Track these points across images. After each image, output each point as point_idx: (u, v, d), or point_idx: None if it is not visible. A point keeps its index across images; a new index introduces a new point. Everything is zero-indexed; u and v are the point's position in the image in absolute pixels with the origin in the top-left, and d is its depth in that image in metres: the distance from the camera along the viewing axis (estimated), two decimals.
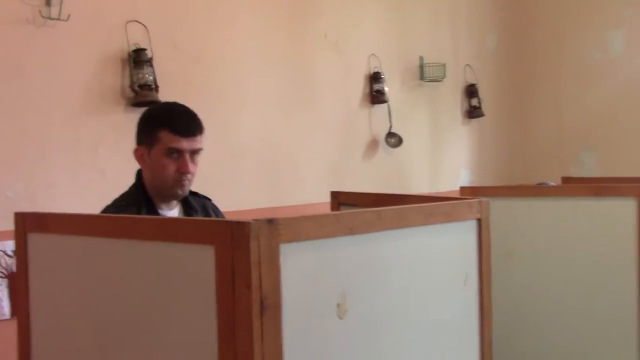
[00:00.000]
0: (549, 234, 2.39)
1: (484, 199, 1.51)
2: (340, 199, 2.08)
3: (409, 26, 4.27)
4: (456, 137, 4.59)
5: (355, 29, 3.91)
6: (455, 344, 1.44)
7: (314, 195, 3.50)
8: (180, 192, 2.06)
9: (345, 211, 1.20)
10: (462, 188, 2.49)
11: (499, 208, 2.47)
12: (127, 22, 2.87)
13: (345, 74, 3.84)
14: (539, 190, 2.43)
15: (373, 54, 3.94)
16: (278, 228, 1.05)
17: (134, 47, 2.86)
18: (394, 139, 4.00)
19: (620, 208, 2.25)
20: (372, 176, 3.96)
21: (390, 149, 4.02)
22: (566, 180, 3.15)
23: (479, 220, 1.47)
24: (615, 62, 4.65)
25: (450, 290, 1.42)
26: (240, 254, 0.99)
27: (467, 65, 4.61)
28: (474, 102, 4.61)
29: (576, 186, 2.50)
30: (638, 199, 2.21)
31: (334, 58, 3.78)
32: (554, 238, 2.38)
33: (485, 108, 4.65)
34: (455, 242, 1.42)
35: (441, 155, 4.47)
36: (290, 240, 1.08)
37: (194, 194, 2.21)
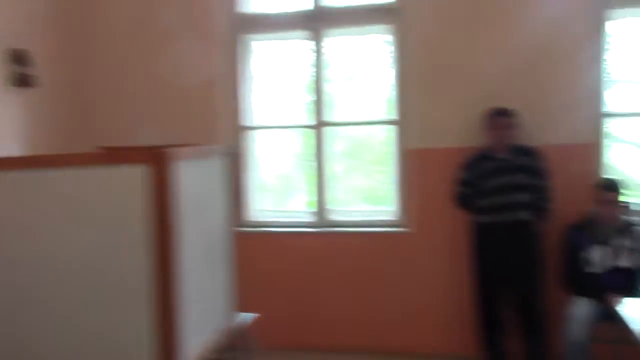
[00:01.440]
0: (56, 207, 2.29)
1: None
2: None
3: None
4: (2, 108, 4.21)
5: None
6: None
7: None
8: None
9: None
10: None
11: (9, 181, 2.32)
12: None
13: None
14: (46, 160, 2.31)
15: None
16: None
17: None
18: None
19: (131, 175, 2.24)
20: None
21: None
22: (102, 149, 3.11)
23: None
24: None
25: None
26: None
27: (16, 29, 4.25)
28: (26, 70, 4.28)
29: (87, 155, 2.43)
30: (146, 165, 2.22)
31: None
32: (62, 211, 2.29)
33: (41, 77, 4.37)
34: None
35: None
36: None
37: None
